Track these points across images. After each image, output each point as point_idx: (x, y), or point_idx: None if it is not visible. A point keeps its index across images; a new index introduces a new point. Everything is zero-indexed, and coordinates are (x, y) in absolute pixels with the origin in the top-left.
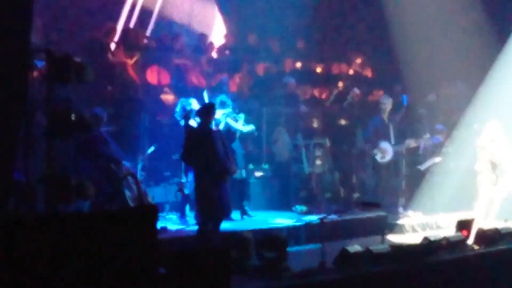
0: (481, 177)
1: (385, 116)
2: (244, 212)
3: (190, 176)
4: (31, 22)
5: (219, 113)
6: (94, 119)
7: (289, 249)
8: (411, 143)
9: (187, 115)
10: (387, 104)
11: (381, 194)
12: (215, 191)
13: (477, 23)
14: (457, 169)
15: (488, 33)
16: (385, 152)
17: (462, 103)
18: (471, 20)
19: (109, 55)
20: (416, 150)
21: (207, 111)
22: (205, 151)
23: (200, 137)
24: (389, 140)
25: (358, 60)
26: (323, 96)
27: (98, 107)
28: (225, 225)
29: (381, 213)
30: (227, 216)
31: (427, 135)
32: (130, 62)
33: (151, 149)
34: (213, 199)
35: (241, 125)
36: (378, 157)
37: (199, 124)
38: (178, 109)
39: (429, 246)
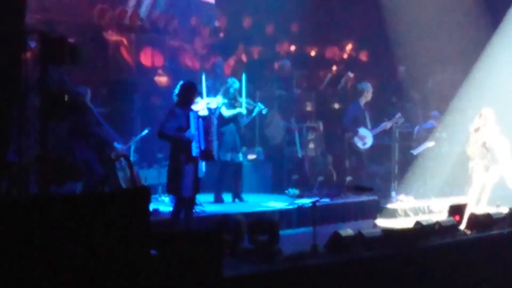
0: (473, 163)
1: (362, 103)
2: (236, 196)
3: None
4: (25, 4)
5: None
6: (80, 98)
7: (281, 232)
8: (387, 125)
9: None
10: (369, 91)
11: (366, 179)
12: (182, 170)
13: (470, 7)
14: (450, 154)
15: (481, 18)
16: (365, 138)
17: (455, 88)
18: (464, 5)
19: (103, 36)
20: (409, 134)
21: (185, 91)
22: (178, 130)
23: (177, 116)
24: (366, 126)
25: (349, 46)
26: (317, 80)
27: (82, 86)
28: (217, 208)
29: (374, 197)
30: (191, 196)
31: (399, 114)
32: (124, 42)
33: (145, 132)
34: (179, 178)
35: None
36: (360, 144)
37: (177, 103)
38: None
39: (421, 231)
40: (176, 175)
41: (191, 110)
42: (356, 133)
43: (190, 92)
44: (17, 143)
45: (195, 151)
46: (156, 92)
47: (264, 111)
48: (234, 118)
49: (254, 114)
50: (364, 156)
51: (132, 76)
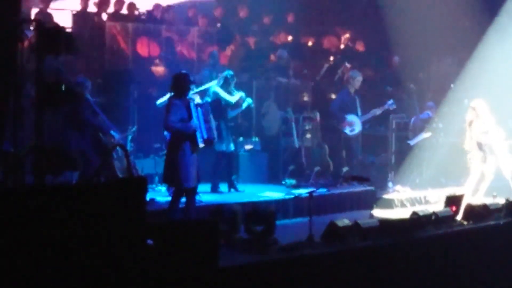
0: (470, 155)
1: (352, 90)
2: (232, 186)
3: None
4: None
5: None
6: (79, 88)
7: (277, 222)
8: (376, 112)
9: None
10: (358, 79)
11: (358, 167)
12: (187, 161)
13: None
14: (447, 144)
15: (477, 9)
16: (353, 124)
17: (452, 78)
18: None
19: (99, 26)
20: (405, 125)
21: (179, 81)
22: (181, 121)
23: (178, 107)
24: (355, 113)
25: (346, 35)
26: (314, 70)
27: (81, 76)
28: (213, 198)
29: (370, 188)
30: (189, 187)
31: (390, 101)
32: (120, 32)
33: (133, 128)
34: (178, 169)
35: (229, 96)
36: (348, 131)
37: (174, 95)
38: None
39: (417, 221)
40: (179, 166)
41: (189, 99)
42: (343, 119)
43: (183, 81)
44: (12, 133)
45: (200, 141)
46: (152, 82)
47: (251, 105)
48: (225, 109)
49: (242, 108)
50: (354, 144)
51: (128, 66)
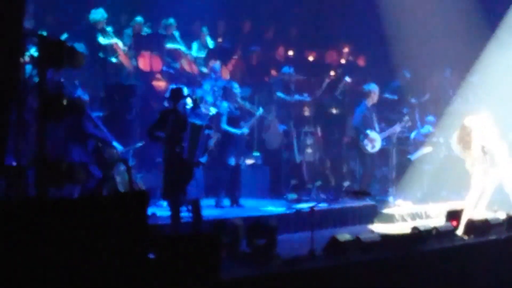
0: (472, 169)
1: (369, 104)
2: (234, 201)
3: None
4: (24, 6)
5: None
6: (80, 101)
7: (279, 236)
8: (396, 128)
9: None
10: (376, 92)
11: (370, 183)
12: (170, 173)
13: (467, 10)
14: (448, 158)
15: (478, 21)
16: (374, 141)
17: (452, 92)
18: (461, 8)
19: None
20: (406, 139)
21: (174, 95)
22: (165, 133)
23: (161, 119)
24: (374, 128)
25: (346, 50)
26: (315, 84)
27: (79, 89)
28: (215, 212)
29: (371, 202)
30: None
31: (406, 118)
32: (122, 47)
33: (139, 144)
34: (167, 181)
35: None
36: (369, 147)
37: (167, 107)
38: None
39: (418, 236)
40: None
41: (173, 113)
42: (366, 135)
43: (174, 96)
44: (15, 146)
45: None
46: (154, 96)
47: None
48: (233, 122)
49: (257, 114)
50: (369, 159)
51: (130, 80)
